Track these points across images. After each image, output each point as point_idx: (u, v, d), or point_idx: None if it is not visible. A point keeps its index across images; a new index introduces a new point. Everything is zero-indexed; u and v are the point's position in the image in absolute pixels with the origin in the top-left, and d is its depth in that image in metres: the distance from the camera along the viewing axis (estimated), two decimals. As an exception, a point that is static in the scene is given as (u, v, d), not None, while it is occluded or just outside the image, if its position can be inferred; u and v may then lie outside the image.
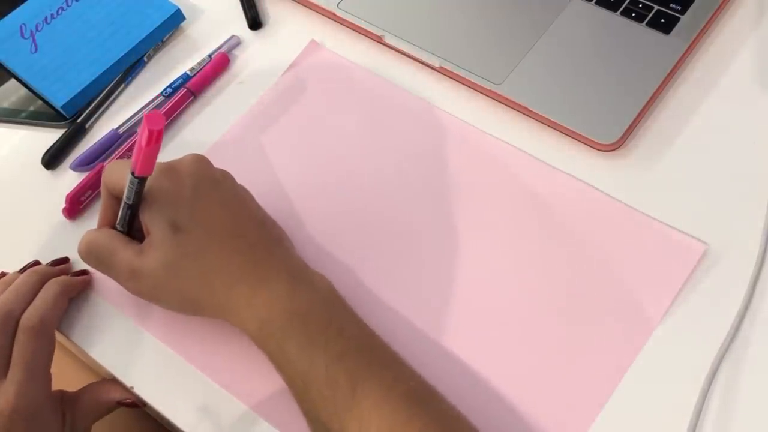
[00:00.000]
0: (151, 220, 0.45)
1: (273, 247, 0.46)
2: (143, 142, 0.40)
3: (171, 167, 0.46)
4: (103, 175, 0.47)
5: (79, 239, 0.49)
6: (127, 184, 0.44)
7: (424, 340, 0.47)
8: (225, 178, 0.48)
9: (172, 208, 0.45)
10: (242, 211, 0.47)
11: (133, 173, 0.43)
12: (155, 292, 0.45)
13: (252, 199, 0.48)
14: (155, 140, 0.40)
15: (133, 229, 0.47)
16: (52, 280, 0.50)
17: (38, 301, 0.48)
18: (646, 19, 0.55)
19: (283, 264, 0.45)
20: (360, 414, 0.39)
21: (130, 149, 0.57)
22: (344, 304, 0.45)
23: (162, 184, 0.45)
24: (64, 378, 0.50)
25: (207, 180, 0.46)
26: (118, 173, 0.46)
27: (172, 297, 0.45)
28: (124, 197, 0.44)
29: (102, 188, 0.47)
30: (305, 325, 0.42)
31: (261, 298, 0.43)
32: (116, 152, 0.58)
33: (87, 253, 0.47)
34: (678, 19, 0.55)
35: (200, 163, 0.47)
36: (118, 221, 0.47)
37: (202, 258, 0.44)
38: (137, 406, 0.50)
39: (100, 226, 0.49)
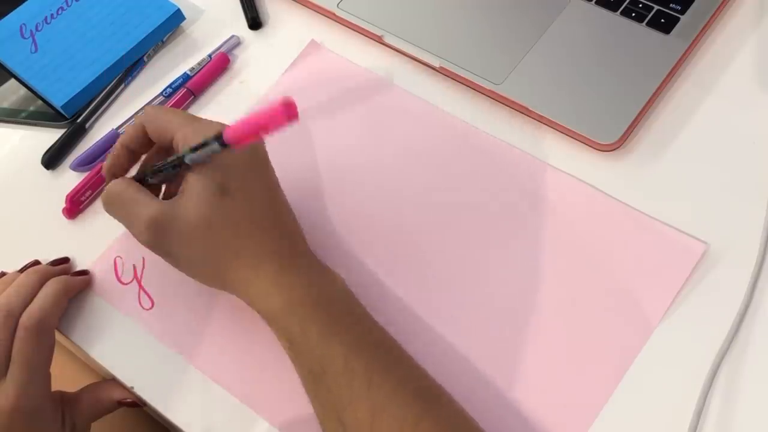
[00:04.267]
0: (197, 177, 0.44)
1: (299, 237, 0.46)
2: (278, 116, 0.37)
3: None
4: (144, 118, 0.47)
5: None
6: (201, 146, 0.42)
7: (424, 337, 0.47)
8: (271, 167, 0.48)
9: (224, 172, 0.44)
10: (281, 197, 0.47)
11: (220, 140, 0.41)
12: (179, 248, 0.44)
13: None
14: (286, 119, 0.37)
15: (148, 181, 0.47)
16: (53, 279, 0.50)
17: (38, 300, 0.48)
18: (646, 19, 0.55)
19: (308, 254, 0.46)
20: (374, 405, 0.39)
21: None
22: (358, 302, 0.45)
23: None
24: (64, 378, 0.50)
25: (261, 159, 0.46)
26: (165, 121, 0.46)
27: (197, 257, 0.45)
28: (188, 155, 0.43)
29: (124, 140, 0.47)
30: (328, 312, 0.42)
31: (288, 279, 0.43)
32: (116, 152, 0.58)
33: (110, 201, 0.46)
34: (678, 19, 0.55)
35: (260, 144, 0.47)
36: (152, 171, 0.46)
37: (239, 228, 0.44)
38: (137, 406, 0.50)
39: (108, 172, 0.48)
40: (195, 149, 0.43)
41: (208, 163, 0.44)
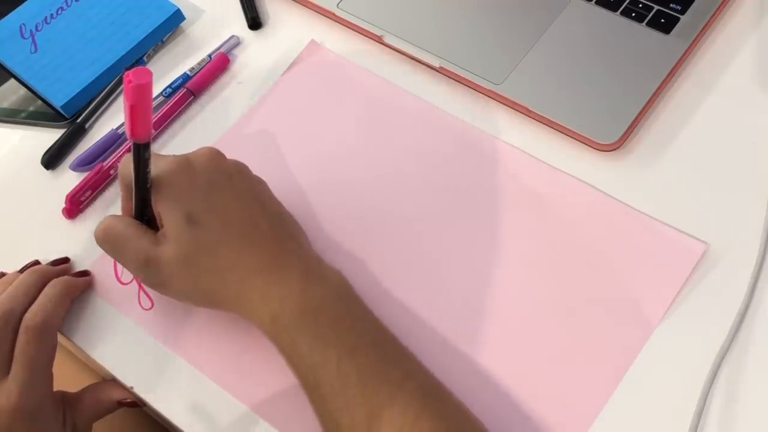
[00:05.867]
0: (165, 211, 0.44)
1: (287, 241, 0.46)
2: (128, 100, 0.39)
3: (186, 160, 0.46)
4: (118, 167, 0.47)
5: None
6: (134, 157, 0.43)
7: (423, 336, 0.47)
8: (240, 171, 0.48)
9: (187, 200, 0.45)
10: (257, 204, 0.47)
11: (134, 142, 0.42)
12: (168, 283, 0.45)
13: (268, 190, 0.49)
14: (136, 96, 0.39)
15: (145, 217, 0.47)
16: (55, 279, 0.50)
17: (42, 299, 0.48)
18: (646, 19, 0.55)
19: (297, 258, 0.45)
20: (370, 410, 0.39)
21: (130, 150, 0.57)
22: (357, 299, 0.45)
23: (177, 177, 0.45)
24: (65, 379, 0.50)
25: (222, 174, 0.47)
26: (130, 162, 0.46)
27: (186, 289, 0.45)
28: (132, 177, 0.44)
29: (119, 180, 0.47)
30: (317, 320, 0.42)
31: (274, 292, 0.43)
32: (116, 152, 0.58)
33: (103, 239, 0.47)
34: (678, 19, 0.55)
35: (215, 158, 0.47)
36: (133, 208, 0.46)
37: (217, 252, 0.44)
38: (137, 406, 0.50)
39: (123, 212, 0.49)
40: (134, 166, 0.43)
41: (160, 187, 0.44)
